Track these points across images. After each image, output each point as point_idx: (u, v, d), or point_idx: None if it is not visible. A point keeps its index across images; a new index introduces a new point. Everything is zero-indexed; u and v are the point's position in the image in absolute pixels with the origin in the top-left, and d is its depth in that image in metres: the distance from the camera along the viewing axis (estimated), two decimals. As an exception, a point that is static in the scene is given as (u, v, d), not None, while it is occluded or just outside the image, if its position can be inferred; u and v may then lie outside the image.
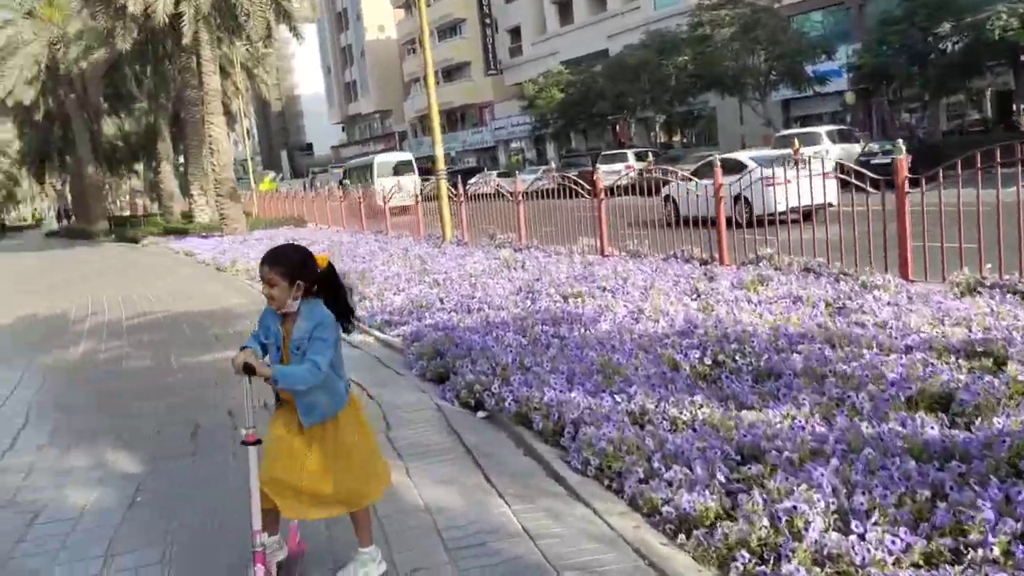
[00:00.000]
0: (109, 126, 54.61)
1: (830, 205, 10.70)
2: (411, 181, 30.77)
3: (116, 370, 8.76)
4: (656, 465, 4.22)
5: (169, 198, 42.46)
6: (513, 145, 63.67)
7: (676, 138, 50.59)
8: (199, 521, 4.41)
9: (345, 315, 3.55)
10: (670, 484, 4.03)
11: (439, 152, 17.66)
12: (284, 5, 27.25)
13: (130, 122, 55.36)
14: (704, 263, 10.58)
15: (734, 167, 15.49)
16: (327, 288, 3.51)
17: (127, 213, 66.39)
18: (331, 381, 3.46)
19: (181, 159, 46.71)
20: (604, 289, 9.07)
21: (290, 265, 3.39)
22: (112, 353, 9.69)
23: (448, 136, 70.41)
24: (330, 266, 3.56)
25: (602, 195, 13.05)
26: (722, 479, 3.93)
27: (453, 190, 17.96)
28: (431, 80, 17.59)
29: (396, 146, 78.50)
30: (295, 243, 3.73)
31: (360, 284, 11.86)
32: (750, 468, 3.98)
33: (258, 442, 3.43)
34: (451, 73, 70.33)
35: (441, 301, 9.81)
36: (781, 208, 10.42)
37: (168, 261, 22.93)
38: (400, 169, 37.13)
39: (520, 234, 15.35)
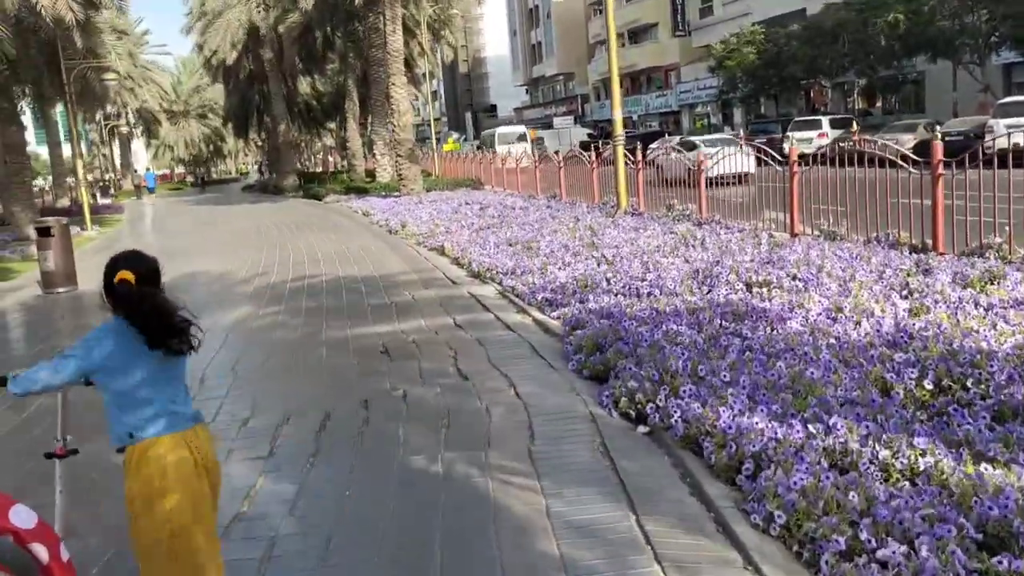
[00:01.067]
0: (304, 86, 56.89)
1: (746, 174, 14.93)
2: (522, 148, 38.32)
3: (264, 340, 8.49)
4: (864, 536, 3.23)
5: (354, 156, 43.59)
6: (698, 110, 61.22)
7: (877, 104, 46.78)
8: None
9: (156, 340, 2.84)
10: (884, 567, 3.04)
11: (617, 116, 16.65)
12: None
13: (323, 82, 57.42)
14: (915, 250, 9.14)
15: (690, 147, 22.25)
16: (128, 306, 2.90)
17: (319, 169, 69.31)
18: (108, 406, 2.90)
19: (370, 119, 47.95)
20: (795, 278, 7.91)
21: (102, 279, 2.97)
22: (266, 320, 9.50)
23: (631, 99, 68.73)
24: (131, 283, 2.90)
25: (795, 166, 11.68)
26: (960, 571, 2.90)
27: (631, 156, 16.95)
28: (613, 41, 16.54)
29: (578, 109, 77.65)
30: (131, 251, 3.03)
31: (525, 256, 11.20)
32: (1000, 562, 2.93)
33: (72, 453, 3.12)
34: (637, 35, 68.38)
35: (608, 281, 8.94)
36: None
37: (344, 220, 23.21)
38: (515, 139, 44.78)
39: (700, 206, 14.18)
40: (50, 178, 41.66)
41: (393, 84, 27.18)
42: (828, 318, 6.54)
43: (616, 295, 8.32)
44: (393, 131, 27.75)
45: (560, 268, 10.13)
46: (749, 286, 7.85)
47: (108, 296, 2.95)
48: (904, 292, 7.16)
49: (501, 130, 49.03)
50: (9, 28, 22.94)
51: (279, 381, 6.84)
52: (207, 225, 26.07)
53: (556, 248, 11.58)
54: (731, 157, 14.38)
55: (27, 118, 45.66)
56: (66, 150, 78.57)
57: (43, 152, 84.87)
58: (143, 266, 2.98)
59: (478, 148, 43.27)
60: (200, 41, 42.98)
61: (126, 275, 2.93)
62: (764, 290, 7.61)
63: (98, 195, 45.16)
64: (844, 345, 5.71)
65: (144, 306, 2.88)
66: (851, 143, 12.99)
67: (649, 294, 8.12)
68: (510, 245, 12.53)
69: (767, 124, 41.44)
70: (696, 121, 60.81)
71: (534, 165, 24.40)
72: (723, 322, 6.64)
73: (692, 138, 27.93)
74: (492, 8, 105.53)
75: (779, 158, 12.49)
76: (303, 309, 9.95)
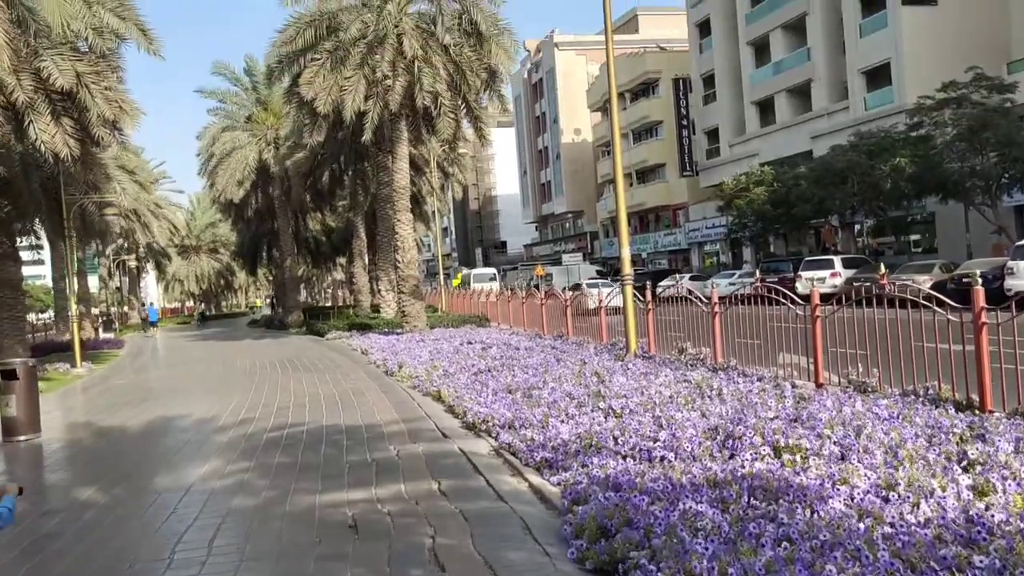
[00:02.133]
0: (314, 222, 57.33)
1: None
2: (491, 286, 44.87)
3: (219, 508, 7.41)
4: None
5: (360, 292, 43.20)
6: (707, 248, 61.25)
7: (888, 243, 46.41)
8: None
9: None
10: None
11: (625, 254, 15.99)
12: (474, 107, 26.93)
13: (333, 218, 57.90)
14: (960, 407, 8.11)
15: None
16: None
17: (329, 304, 69.12)
18: None
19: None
20: (829, 440, 6.87)
21: None
22: (230, 480, 8.44)
23: (640, 237, 69.03)
24: None
25: (817, 308, 10.80)
26: None
27: (640, 297, 16.16)
28: (620, 180, 16.06)
29: (587, 246, 78.00)
30: None
31: (525, 406, 10.20)
32: None
33: None
34: (645, 175, 69.38)
35: (615, 440, 7.91)
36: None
37: (341, 359, 22.33)
38: (487, 279, 55.05)
39: (716, 351, 13.23)
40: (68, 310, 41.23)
41: (398, 221, 26.88)
42: (877, 496, 5.48)
43: (624, 458, 7.29)
44: (397, 267, 27.24)
45: (563, 421, 9.11)
46: (777, 451, 6.82)
47: None
48: (962, 463, 6.12)
49: (476, 271, 64.39)
50: (14, 164, 22.87)
51: (219, 567, 5.74)
52: (202, 363, 25.24)
53: (559, 397, 10.58)
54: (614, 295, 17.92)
55: (46, 252, 45.78)
56: (90, 283, 79.26)
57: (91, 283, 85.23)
58: None
59: (462, 285, 52.65)
60: (210, 180, 43.43)
61: None
62: (796, 456, 6.57)
63: (100, 329, 44.66)
64: (903, 536, 4.65)
65: None
66: (877, 285, 12.15)
67: (663, 458, 7.08)
68: (510, 392, 11.55)
69: (779, 263, 41.02)
70: (706, 259, 60.72)
71: (540, 303, 23.68)
72: (752, 499, 5.59)
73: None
74: (502, 148, 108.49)
75: (796, 299, 11.65)
76: (274, 467, 8.89)
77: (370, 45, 25.07)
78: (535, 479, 7.46)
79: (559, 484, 7.01)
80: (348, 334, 29.76)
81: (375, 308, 39.21)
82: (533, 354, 16.35)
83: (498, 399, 11.03)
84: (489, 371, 14.34)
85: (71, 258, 26.43)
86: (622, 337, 17.05)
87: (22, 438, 11.88)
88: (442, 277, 45.24)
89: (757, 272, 37.18)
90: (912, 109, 35.15)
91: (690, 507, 5.42)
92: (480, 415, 10.16)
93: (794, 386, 10.11)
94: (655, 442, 7.54)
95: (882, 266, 32.57)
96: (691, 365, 13.20)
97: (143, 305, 67.41)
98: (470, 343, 20.44)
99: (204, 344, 35.57)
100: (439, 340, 22.23)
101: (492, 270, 66.06)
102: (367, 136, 24.58)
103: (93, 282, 78.17)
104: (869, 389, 9.51)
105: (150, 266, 72.09)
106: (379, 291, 36.46)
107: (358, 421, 11.28)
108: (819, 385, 10.31)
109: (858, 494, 5.51)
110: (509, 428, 9.33)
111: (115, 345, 36.83)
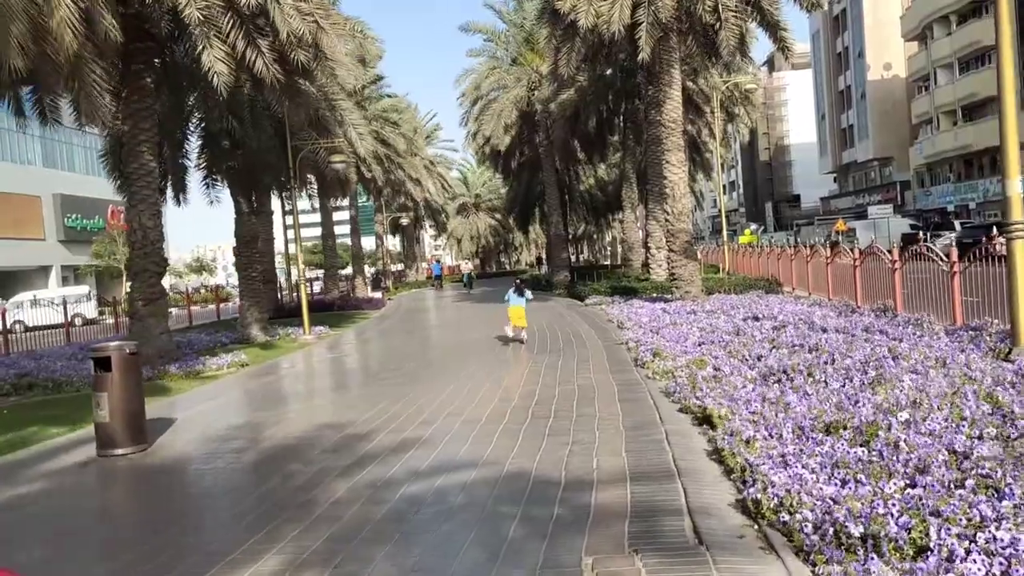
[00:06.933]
0: (587, 175, 53.49)
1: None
2: None
3: None
4: None
5: (630, 250, 38.58)
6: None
7: None
8: None
9: None
10: None
11: (1014, 188, 9.94)
12: (767, 9, 21.08)
13: (607, 171, 53.68)
14: None
15: None
16: None
17: (608, 263, 65.44)
18: None
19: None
20: None
21: None
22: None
23: (965, 185, 58.32)
24: None
25: None
26: None
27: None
28: (1008, 69, 9.96)
29: (897, 197, 67.68)
30: None
31: (864, 474, 5.12)
32: None
33: None
34: (972, 111, 58.11)
35: None
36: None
37: (588, 333, 17.92)
38: None
39: None
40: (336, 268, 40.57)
41: (668, 163, 21.83)
42: None
43: None
44: (666, 219, 22.27)
45: (971, 538, 3.98)
46: None
47: None
48: None
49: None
50: (243, 108, 20.69)
51: None
52: (433, 332, 22.02)
53: (929, 447, 5.37)
54: None
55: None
56: (367, 242, 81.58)
57: (368, 243, 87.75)
58: None
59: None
60: (474, 128, 40.69)
61: None
62: None
63: (369, 288, 43.87)
64: None
65: None
66: None
67: None
68: (829, 432, 6.42)
69: None
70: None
71: (853, 264, 17.73)
72: None
73: None
74: (797, 92, 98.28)
75: None
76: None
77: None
78: None
79: None
80: (610, 299, 25.33)
81: (646, 267, 34.54)
82: (852, 342, 10.88)
83: (809, 449, 5.97)
84: (785, 373, 9.18)
85: (297, 209, 24.12)
86: (988, 318, 11.16)
87: (120, 451, 8.62)
88: (726, 233, 39.54)
89: None
90: None
91: None
92: (784, 491, 5.14)
93: None
94: None
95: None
96: None
97: (421, 263, 67.60)
98: (756, 319, 15.19)
99: (453, 307, 32.83)
100: (715, 312, 17.14)
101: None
102: (643, 54, 19.68)
103: (369, 242, 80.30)
104: None
105: (429, 224, 72.17)
106: (649, 248, 31.71)
107: (557, 471, 6.67)
108: None
109: None
110: (839, 539, 4.35)
111: (375, 305, 35.20)
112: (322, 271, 48.76)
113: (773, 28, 21.51)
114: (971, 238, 30.42)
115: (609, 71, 32.12)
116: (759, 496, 5.11)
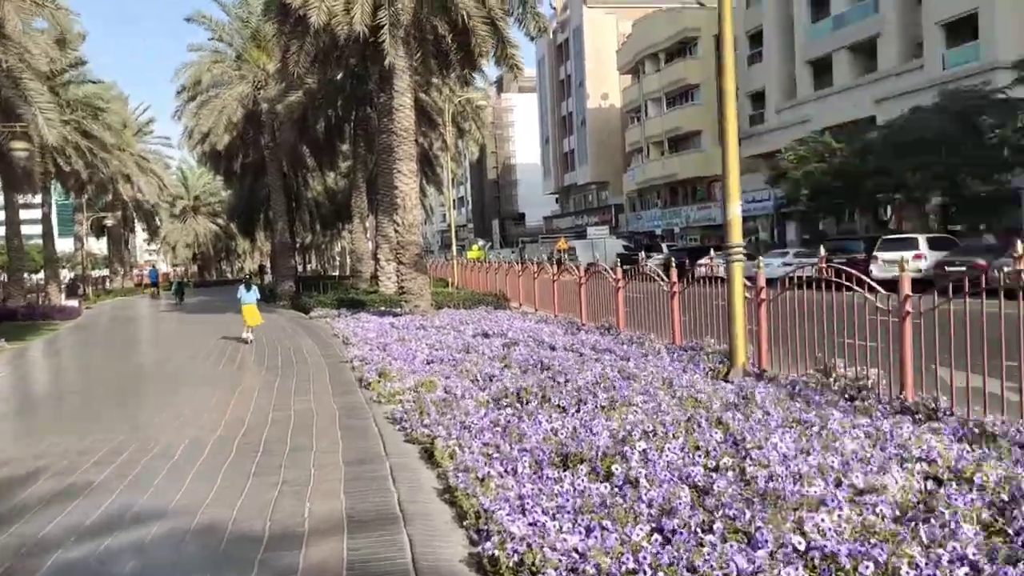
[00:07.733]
0: (316, 182, 51.71)
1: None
2: None
3: None
4: None
5: (359, 261, 37.55)
6: (748, 224, 55.24)
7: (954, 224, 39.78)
8: None
9: None
10: None
11: (734, 212, 10.21)
12: (500, 26, 21.04)
13: (336, 179, 52.21)
14: None
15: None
16: None
17: (336, 273, 63.55)
18: None
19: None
20: None
21: None
22: None
23: (670, 212, 63.10)
24: None
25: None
26: None
27: (748, 284, 10.48)
28: (731, 109, 10.23)
29: (612, 219, 72.03)
30: None
31: (607, 519, 4.59)
32: None
33: None
34: (677, 143, 63.14)
35: None
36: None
37: (311, 348, 16.79)
38: None
39: (906, 382, 7.59)
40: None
41: (399, 172, 21.15)
42: None
43: None
44: (396, 231, 21.55)
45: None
46: None
47: None
48: None
49: None
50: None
51: None
52: (133, 350, 19.74)
53: (671, 482, 4.98)
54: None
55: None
56: (66, 244, 73.43)
57: (67, 245, 77.97)
58: None
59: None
60: (191, 124, 37.64)
61: None
62: None
63: (63, 295, 39.17)
64: None
65: None
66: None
67: None
68: (567, 466, 5.90)
69: (845, 242, 35.05)
70: (746, 237, 54.74)
71: (578, 281, 18.00)
72: None
73: None
74: (524, 115, 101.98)
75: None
76: None
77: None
78: None
79: None
80: (336, 312, 24.16)
81: (375, 279, 33.67)
82: (581, 361, 10.71)
83: (545, 485, 5.38)
84: (518, 396, 8.70)
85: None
86: (708, 338, 11.50)
87: None
88: (455, 248, 39.59)
89: (822, 251, 31.27)
90: (1015, 62, 29.26)
91: None
92: (517, 545, 4.44)
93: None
94: None
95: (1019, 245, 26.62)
96: (851, 398, 7.77)
97: (130, 269, 62.02)
98: (486, 335, 14.85)
99: (161, 317, 30.06)
100: (445, 328, 16.64)
101: None
102: (389, 59, 18.81)
103: (67, 244, 72.52)
104: None
105: (142, 227, 66.41)
106: (377, 260, 30.88)
107: (253, 523, 5.61)
108: None
109: None
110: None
111: (69, 315, 31.34)
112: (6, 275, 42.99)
113: (504, 44, 21.52)
114: (677, 259, 32.70)
115: (340, 75, 30.97)
116: (496, 553, 4.39)
